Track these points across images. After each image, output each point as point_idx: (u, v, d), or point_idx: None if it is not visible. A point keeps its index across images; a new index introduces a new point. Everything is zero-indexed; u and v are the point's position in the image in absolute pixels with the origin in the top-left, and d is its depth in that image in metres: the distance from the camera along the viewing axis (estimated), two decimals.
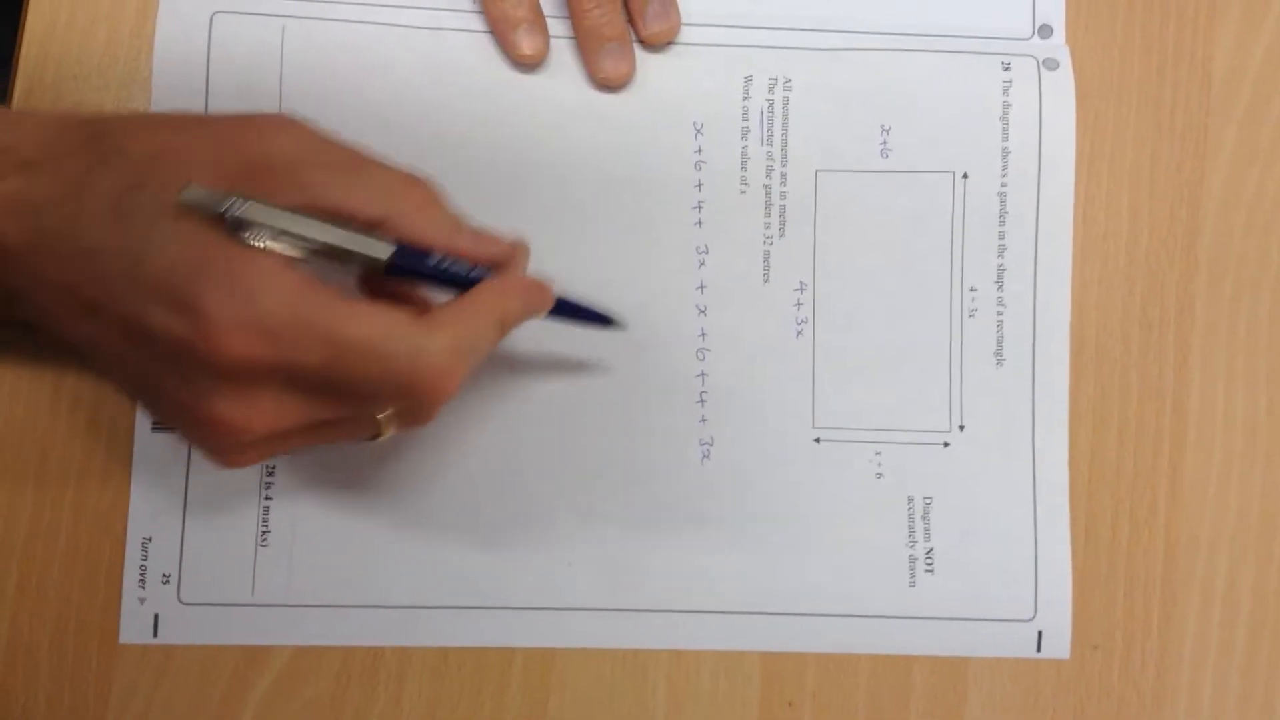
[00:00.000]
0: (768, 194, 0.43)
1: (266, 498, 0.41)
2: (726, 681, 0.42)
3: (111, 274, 0.32)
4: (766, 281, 0.43)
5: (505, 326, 0.35)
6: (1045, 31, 0.44)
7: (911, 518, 0.42)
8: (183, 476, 0.41)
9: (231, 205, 0.31)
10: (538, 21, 0.42)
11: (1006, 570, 0.42)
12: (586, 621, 0.41)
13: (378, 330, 0.32)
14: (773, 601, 0.42)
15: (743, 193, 0.43)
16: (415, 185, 0.35)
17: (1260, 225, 0.44)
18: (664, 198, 0.43)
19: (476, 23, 0.43)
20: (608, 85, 0.43)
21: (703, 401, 0.42)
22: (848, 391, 0.43)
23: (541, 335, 0.42)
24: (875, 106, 0.43)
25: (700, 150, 0.43)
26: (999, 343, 0.43)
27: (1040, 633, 0.42)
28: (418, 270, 0.34)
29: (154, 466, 0.41)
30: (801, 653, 0.42)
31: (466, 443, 0.41)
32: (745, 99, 0.43)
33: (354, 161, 0.34)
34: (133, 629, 0.40)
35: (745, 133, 0.43)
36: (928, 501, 0.42)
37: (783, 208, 0.43)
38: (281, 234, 0.32)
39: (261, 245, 0.32)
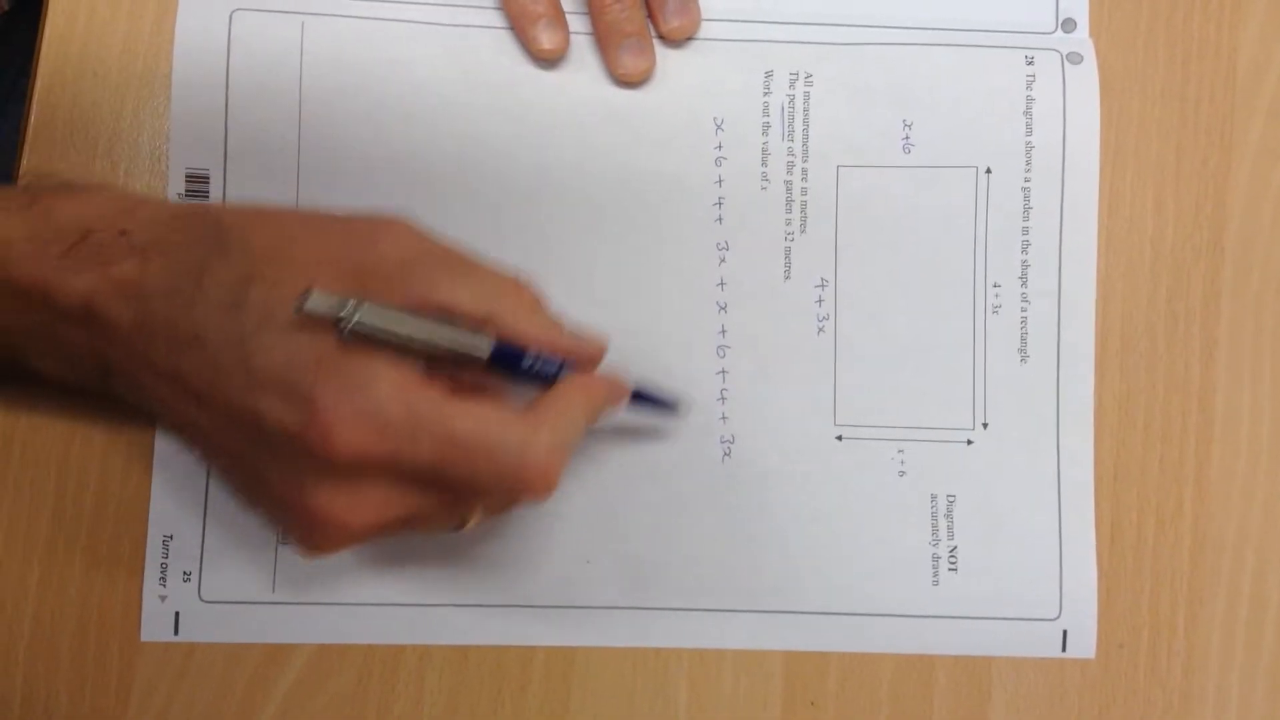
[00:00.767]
0: (789, 190, 0.43)
1: None
2: (748, 681, 0.41)
3: (223, 364, 0.32)
4: (787, 278, 0.43)
5: (592, 420, 0.36)
6: (1069, 25, 0.44)
7: (935, 516, 0.42)
8: (203, 474, 0.41)
9: (347, 310, 0.32)
10: (557, 16, 0.42)
11: (1031, 569, 0.42)
12: (607, 620, 0.41)
13: (488, 427, 0.33)
14: (795, 600, 0.41)
15: (763, 189, 0.43)
16: (520, 287, 0.36)
17: None
18: (684, 194, 0.42)
19: (496, 19, 0.43)
20: (628, 81, 0.42)
21: (723, 399, 0.42)
22: (870, 389, 0.42)
23: None
24: (897, 101, 0.43)
25: (721, 146, 0.43)
26: (1023, 339, 0.43)
27: (1065, 632, 0.42)
28: (513, 367, 0.35)
29: (175, 464, 0.41)
30: (824, 652, 0.41)
31: None
32: (766, 94, 0.43)
33: (462, 263, 0.35)
34: (154, 627, 0.40)
35: (766, 128, 0.43)
36: (951, 500, 0.42)
37: (804, 204, 0.43)
38: (390, 333, 0.32)
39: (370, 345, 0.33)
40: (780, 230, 0.43)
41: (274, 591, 0.41)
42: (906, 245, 0.43)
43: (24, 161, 0.41)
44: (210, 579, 0.41)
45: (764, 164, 0.43)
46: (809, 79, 0.43)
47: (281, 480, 0.33)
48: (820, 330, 0.42)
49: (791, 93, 0.43)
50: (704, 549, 0.41)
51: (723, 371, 0.42)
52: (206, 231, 0.34)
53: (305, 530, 0.34)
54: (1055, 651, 0.42)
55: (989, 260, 0.43)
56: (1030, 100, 0.43)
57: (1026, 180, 0.43)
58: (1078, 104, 0.43)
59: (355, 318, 0.32)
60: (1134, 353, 0.43)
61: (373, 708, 0.41)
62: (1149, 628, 0.42)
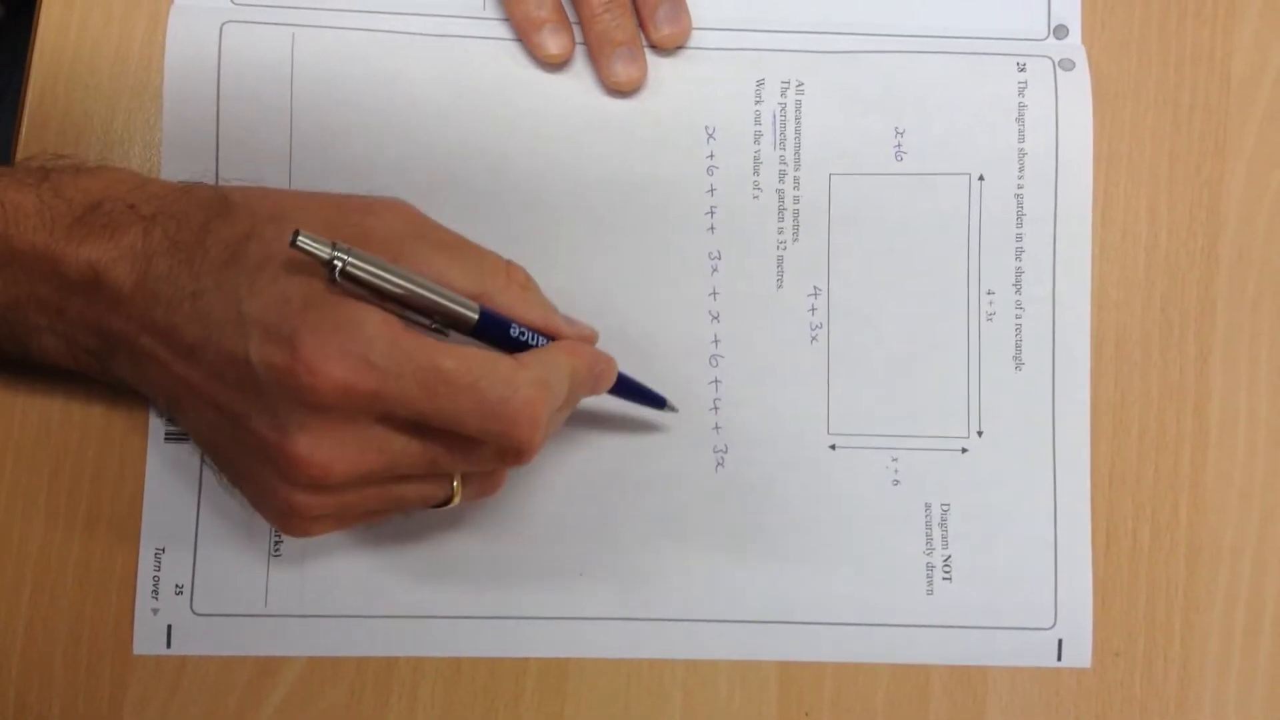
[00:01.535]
0: (781, 199, 0.43)
1: None
2: (743, 691, 0.41)
3: (216, 314, 0.33)
4: (780, 287, 0.42)
5: (575, 384, 0.36)
6: (1061, 32, 0.44)
7: (929, 525, 0.42)
8: (196, 487, 0.41)
9: (338, 253, 0.32)
10: (561, 21, 0.42)
11: (1026, 577, 0.42)
12: (601, 631, 0.41)
13: (473, 363, 0.33)
14: (789, 610, 0.41)
15: (755, 197, 0.43)
16: (512, 269, 0.37)
17: None
18: (676, 203, 0.42)
19: (487, 30, 0.43)
20: (619, 90, 0.42)
21: (716, 409, 0.42)
22: (863, 397, 0.42)
23: None
24: (889, 109, 0.43)
25: (712, 155, 0.43)
26: (1018, 346, 0.42)
27: (1061, 641, 0.42)
28: (501, 334, 0.35)
29: (167, 477, 0.41)
30: (819, 662, 0.41)
31: None
32: (757, 103, 0.43)
33: (456, 241, 0.36)
34: (146, 640, 0.40)
35: (758, 137, 0.43)
36: (945, 508, 0.42)
37: (796, 212, 0.43)
38: (379, 288, 0.33)
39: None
40: (773, 239, 0.43)
41: (266, 604, 0.41)
42: (899, 253, 0.43)
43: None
44: (203, 592, 0.40)
45: (756, 172, 0.43)
46: (800, 87, 0.43)
47: (266, 425, 0.33)
48: (813, 339, 0.42)
49: (783, 101, 0.43)
50: (698, 559, 0.41)
51: (716, 381, 0.42)
52: (211, 200, 0.35)
53: (287, 479, 0.34)
54: (1051, 660, 0.42)
55: (982, 267, 0.43)
56: (1023, 107, 0.43)
57: (1020, 187, 0.43)
58: (1070, 110, 0.43)
59: (348, 258, 0.32)
60: (1129, 359, 0.43)
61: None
62: (1145, 636, 0.42)
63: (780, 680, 0.41)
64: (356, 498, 0.35)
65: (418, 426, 0.34)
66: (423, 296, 0.34)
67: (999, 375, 0.42)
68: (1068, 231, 0.43)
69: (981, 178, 0.43)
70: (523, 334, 0.36)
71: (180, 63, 0.42)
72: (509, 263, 0.37)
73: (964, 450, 0.42)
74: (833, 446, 0.42)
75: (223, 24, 0.42)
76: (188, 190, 0.36)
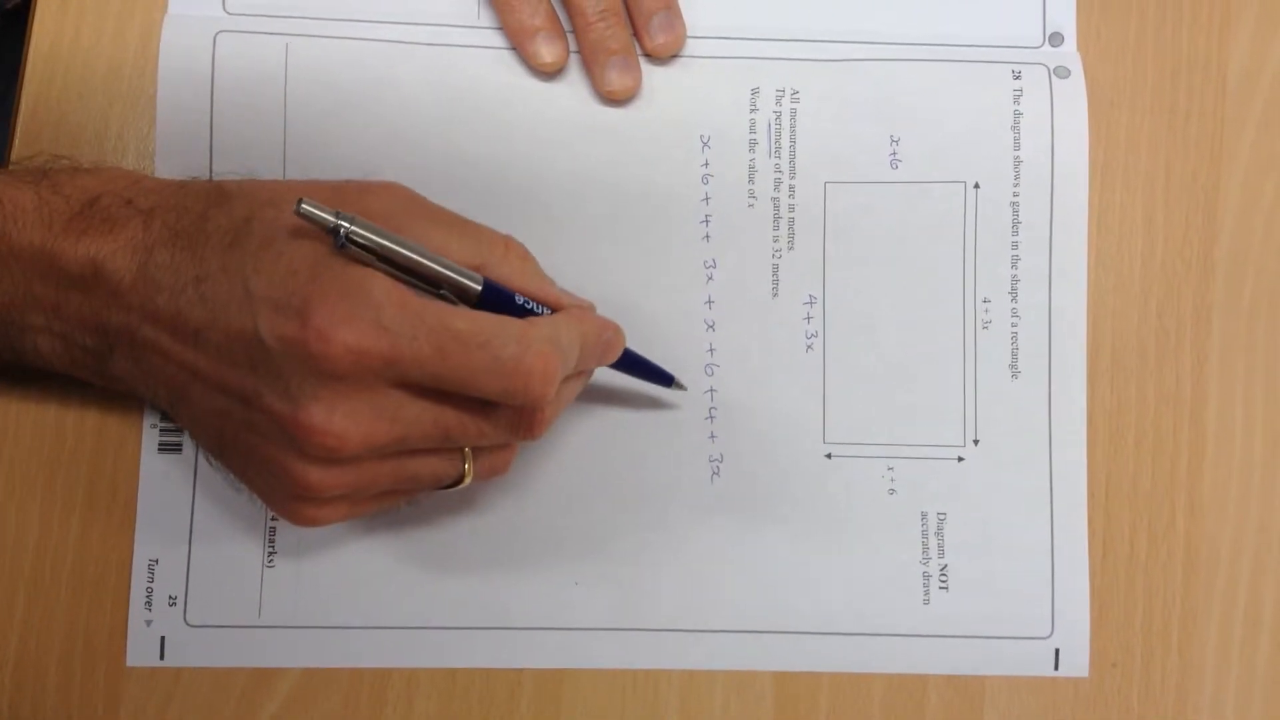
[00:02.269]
0: (776, 207, 0.43)
1: (273, 518, 0.41)
2: (739, 702, 0.41)
3: (221, 295, 0.33)
4: (775, 295, 0.42)
5: (585, 349, 0.36)
6: (1056, 39, 0.44)
7: (925, 534, 0.42)
8: (189, 498, 0.41)
9: (342, 220, 0.32)
10: (555, 29, 0.42)
11: (1023, 587, 0.42)
12: (596, 641, 0.41)
13: (485, 323, 0.33)
14: (785, 620, 0.41)
15: (750, 206, 0.43)
16: (510, 243, 0.37)
17: (1278, 232, 0.43)
18: (671, 211, 0.42)
19: (480, 39, 0.43)
20: (614, 98, 0.42)
21: (711, 418, 0.42)
22: (859, 406, 0.42)
23: None
24: (884, 117, 0.43)
25: (707, 164, 0.43)
26: (1014, 355, 0.42)
27: (1058, 650, 0.41)
28: (506, 304, 0.35)
29: (160, 488, 0.40)
30: (815, 672, 0.41)
31: None
32: (752, 111, 0.43)
33: (453, 218, 0.36)
34: (140, 651, 0.40)
35: (753, 145, 0.43)
36: (942, 517, 0.42)
37: (791, 220, 0.43)
38: (385, 256, 0.33)
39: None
40: (768, 247, 0.42)
41: (260, 615, 0.40)
42: (895, 261, 0.42)
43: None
44: (196, 603, 0.40)
45: (751, 181, 0.43)
46: (795, 95, 0.43)
47: (278, 399, 0.32)
48: (809, 347, 0.42)
49: (778, 109, 0.43)
50: (693, 569, 0.41)
51: (711, 390, 0.42)
52: (209, 191, 0.35)
53: (303, 454, 0.33)
54: (1048, 670, 0.41)
55: (978, 276, 0.43)
56: (1018, 115, 0.43)
57: (1015, 195, 0.43)
58: (1066, 118, 0.43)
59: (352, 226, 0.32)
60: (1125, 367, 0.43)
61: None
62: (1142, 645, 0.42)
63: (776, 690, 0.41)
64: (370, 474, 0.34)
65: (431, 392, 0.33)
66: (428, 266, 0.33)
67: (995, 384, 0.42)
68: (1063, 239, 0.43)
69: (977, 186, 0.43)
70: (527, 303, 0.36)
71: (174, 72, 0.42)
72: (507, 237, 0.37)
73: (960, 459, 0.42)
74: (828, 455, 0.42)
75: (216, 33, 0.42)
76: (184, 184, 0.36)
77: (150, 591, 0.40)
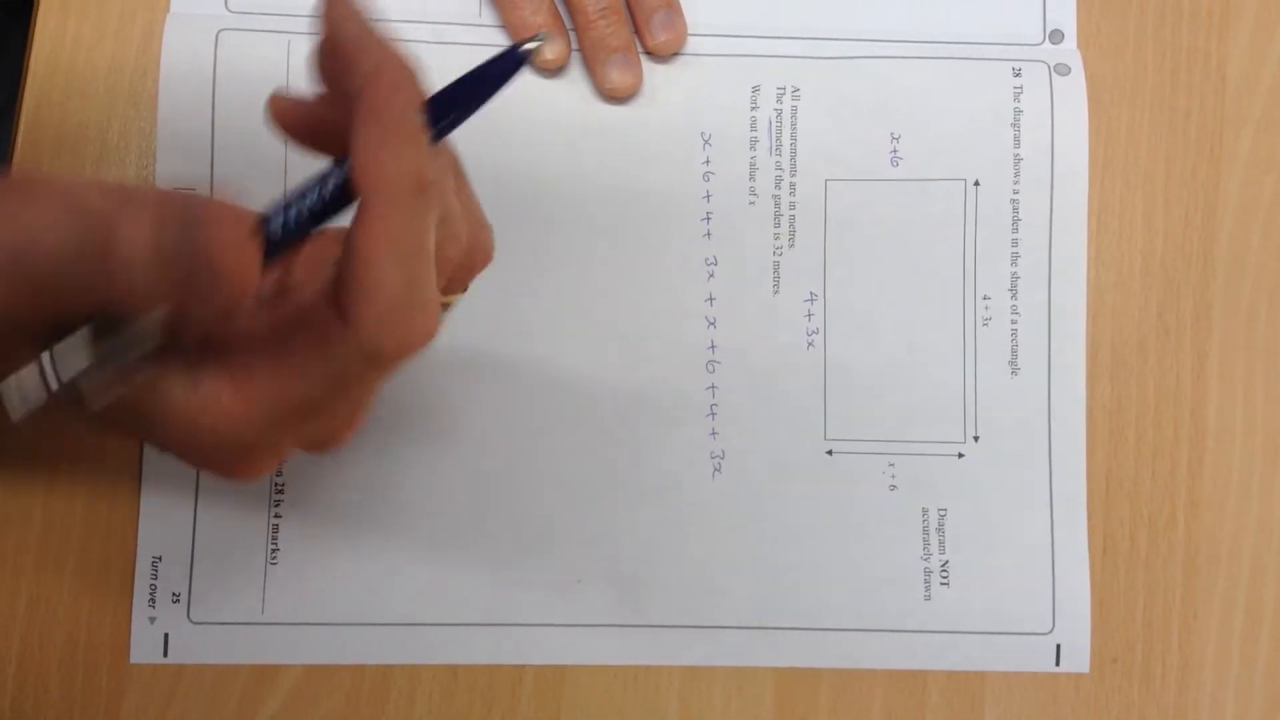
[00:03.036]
0: (777, 204, 0.43)
1: (275, 516, 0.41)
2: (740, 698, 0.41)
3: None
4: (776, 293, 0.42)
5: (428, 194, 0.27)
6: (1056, 37, 0.44)
7: (926, 530, 0.42)
8: (192, 495, 0.41)
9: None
10: (557, 27, 0.42)
11: (1023, 583, 0.42)
12: (597, 638, 0.41)
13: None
14: (786, 616, 0.41)
15: (751, 203, 0.43)
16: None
17: (1278, 229, 0.43)
18: (672, 209, 0.42)
19: (481, 37, 0.43)
20: (615, 96, 0.42)
21: (713, 415, 0.42)
22: (860, 403, 0.42)
23: (549, 349, 0.41)
24: (884, 115, 0.43)
25: (708, 161, 0.43)
26: (1014, 351, 0.42)
27: (1059, 646, 0.42)
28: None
29: (163, 485, 0.41)
30: (815, 668, 0.41)
31: (475, 458, 0.41)
32: (753, 109, 0.43)
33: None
34: (143, 648, 0.40)
35: (753, 143, 0.43)
36: (942, 513, 0.42)
37: (792, 218, 0.43)
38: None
39: None
40: (769, 245, 0.43)
41: (263, 612, 0.40)
42: (895, 258, 0.43)
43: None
44: (199, 600, 0.40)
45: (752, 178, 0.43)
46: (796, 93, 0.43)
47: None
48: (810, 344, 0.42)
49: (779, 107, 0.43)
50: (694, 566, 0.41)
51: (712, 387, 0.42)
52: None
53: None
54: (1049, 666, 0.42)
55: (978, 273, 0.43)
56: (1018, 112, 0.43)
57: (1015, 192, 0.43)
58: (1066, 115, 0.43)
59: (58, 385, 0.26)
60: (1125, 364, 0.43)
61: None
62: (1143, 641, 0.42)
63: (777, 686, 0.41)
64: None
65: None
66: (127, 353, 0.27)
67: (995, 380, 0.42)
68: (1063, 237, 0.43)
69: (977, 183, 0.43)
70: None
71: (176, 70, 0.42)
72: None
73: (961, 455, 0.42)
74: (829, 452, 0.42)
75: (218, 31, 0.42)
76: None
77: (154, 589, 0.40)
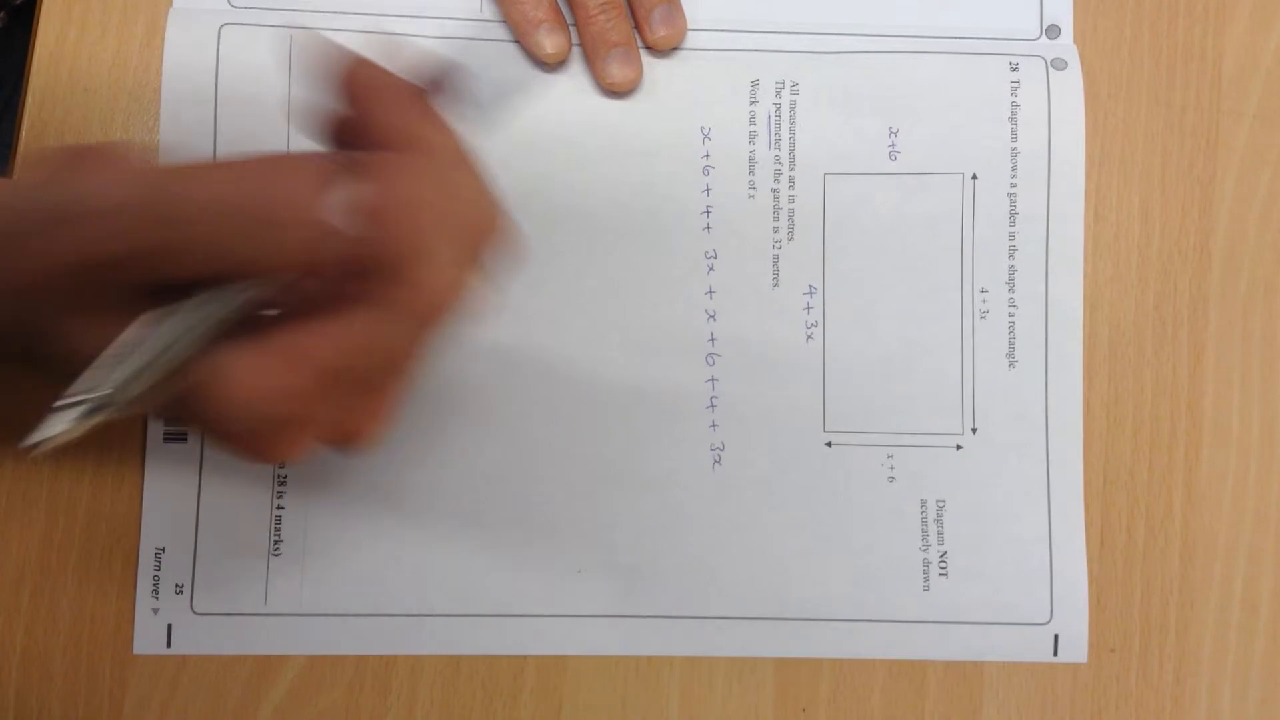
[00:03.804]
0: (776, 198, 0.43)
1: (279, 507, 0.41)
2: (740, 688, 0.41)
3: None
4: (776, 286, 0.43)
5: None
6: (1053, 31, 0.44)
7: (925, 521, 0.42)
8: (195, 487, 0.41)
9: (92, 417, 0.27)
10: (558, 21, 0.42)
11: (1021, 573, 0.42)
12: (598, 629, 0.41)
13: (327, 332, 0.29)
14: (786, 607, 0.41)
15: (751, 197, 0.43)
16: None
17: (1274, 223, 0.44)
18: (672, 203, 0.43)
19: (483, 32, 0.43)
20: (615, 91, 0.43)
21: (713, 407, 0.42)
22: (859, 395, 0.42)
23: (550, 341, 0.42)
24: (883, 109, 0.43)
25: (708, 155, 0.43)
26: (1011, 344, 0.43)
27: (1057, 636, 0.42)
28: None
29: (166, 477, 0.41)
30: (815, 658, 0.41)
31: (477, 450, 0.41)
32: (752, 103, 0.43)
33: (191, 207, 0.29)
34: (146, 639, 0.40)
35: (753, 137, 0.43)
36: (941, 505, 0.42)
37: (791, 212, 0.43)
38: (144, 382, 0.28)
39: None
40: (768, 238, 0.43)
41: (266, 603, 0.41)
42: (894, 252, 0.43)
43: (15, 176, 0.42)
44: (202, 591, 0.41)
45: (751, 173, 0.43)
46: (795, 88, 0.43)
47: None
48: (809, 337, 0.43)
49: (778, 101, 0.43)
50: (695, 556, 0.42)
51: (712, 379, 0.42)
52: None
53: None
54: (1047, 656, 0.42)
55: (976, 266, 0.43)
56: (1015, 106, 0.43)
57: (1013, 186, 0.43)
58: (1063, 110, 0.43)
59: (106, 412, 0.27)
60: (1122, 357, 0.43)
61: (365, 718, 0.41)
62: (1140, 632, 0.42)
63: (777, 677, 0.41)
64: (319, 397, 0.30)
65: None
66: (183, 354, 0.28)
67: (992, 373, 0.43)
68: (1060, 230, 0.43)
69: (975, 177, 0.43)
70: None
71: (178, 65, 0.42)
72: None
73: (959, 447, 0.42)
74: (829, 444, 0.42)
75: (221, 26, 0.42)
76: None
77: (157, 580, 0.41)
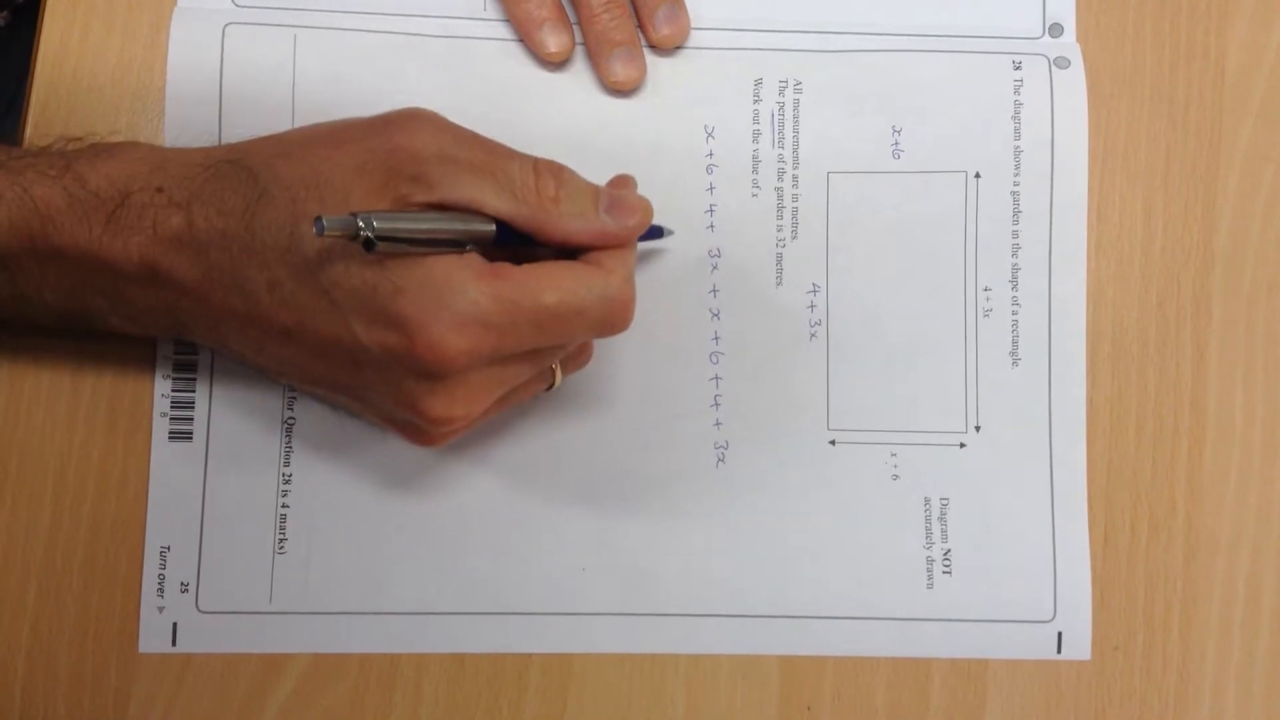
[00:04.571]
0: (779, 197, 0.43)
1: (283, 506, 0.41)
2: (744, 686, 0.41)
3: (304, 301, 0.34)
4: (779, 284, 0.43)
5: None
6: (1056, 30, 0.44)
7: (928, 519, 0.42)
8: (200, 485, 0.41)
9: (363, 230, 0.32)
10: (561, 19, 0.42)
11: (1025, 571, 0.42)
12: (603, 627, 0.41)
13: (574, 290, 0.35)
14: (790, 605, 0.42)
15: (754, 196, 0.43)
16: (542, 181, 0.36)
17: (1277, 220, 0.44)
18: (676, 202, 0.43)
19: (487, 31, 0.43)
20: (618, 89, 0.43)
21: (717, 405, 0.42)
22: (862, 393, 0.42)
23: None
24: (886, 108, 0.43)
25: (711, 154, 0.43)
26: (1014, 342, 0.43)
27: (1060, 634, 0.42)
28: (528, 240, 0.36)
29: (171, 475, 0.41)
30: (820, 656, 0.42)
31: (481, 449, 0.42)
32: (756, 102, 0.43)
33: (482, 160, 0.36)
34: (151, 638, 0.40)
35: (756, 136, 0.43)
36: (944, 503, 0.42)
37: (795, 210, 0.43)
38: (407, 232, 0.33)
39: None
40: (771, 237, 0.43)
41: (271, 602, 0.41)
42: (897, 250, 0.43)
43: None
44: (208, 590, 0.41)
45: (755, 171, 0.43)
46: (799, 86, 0.43)
47: (392, 398, 0.36)
48: (812, 335, 0.43)
49: (781, 100, 0.43)
50: (699, 554, 0.42)
51: (716, 378, 0.42)
52: (242, 175, 0.35)
53: (423, 431, 0.37)
54: (1050, 653, 0.42)
55: (979, 264, 0.43)
56: (1018, 105, 0.43)
57: (1016, 184, 0.43)
58: (1066, 108, 0.43)
59: (375, 235, 0.32)
60: (1125, 355, 0.43)
61: (369, 716, 0.41)
62: (1144, 630, 0.42)
63: (781, 674, 0.42)
64: (482, 416, 0.37)
65: (534, 352, 0.36)
66: (447, 232, 0.34)
67: (996, 371, 0.43)
68: (1064, 228, 0.43)
69: (978, 175, 0.43)
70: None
71: (183, 65, 0.42)
72: (538, 173, 0.36)
73: (962, 445, 0.42)
74: (832, 442, 0.42)
75: (225, 26, 0.42)
76: (207, 164, 0.36)
77: (162, 578, 0.41)
